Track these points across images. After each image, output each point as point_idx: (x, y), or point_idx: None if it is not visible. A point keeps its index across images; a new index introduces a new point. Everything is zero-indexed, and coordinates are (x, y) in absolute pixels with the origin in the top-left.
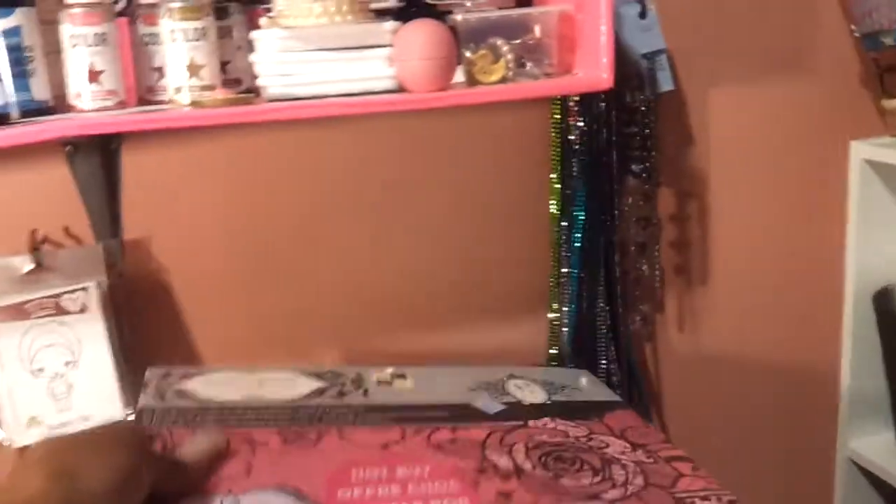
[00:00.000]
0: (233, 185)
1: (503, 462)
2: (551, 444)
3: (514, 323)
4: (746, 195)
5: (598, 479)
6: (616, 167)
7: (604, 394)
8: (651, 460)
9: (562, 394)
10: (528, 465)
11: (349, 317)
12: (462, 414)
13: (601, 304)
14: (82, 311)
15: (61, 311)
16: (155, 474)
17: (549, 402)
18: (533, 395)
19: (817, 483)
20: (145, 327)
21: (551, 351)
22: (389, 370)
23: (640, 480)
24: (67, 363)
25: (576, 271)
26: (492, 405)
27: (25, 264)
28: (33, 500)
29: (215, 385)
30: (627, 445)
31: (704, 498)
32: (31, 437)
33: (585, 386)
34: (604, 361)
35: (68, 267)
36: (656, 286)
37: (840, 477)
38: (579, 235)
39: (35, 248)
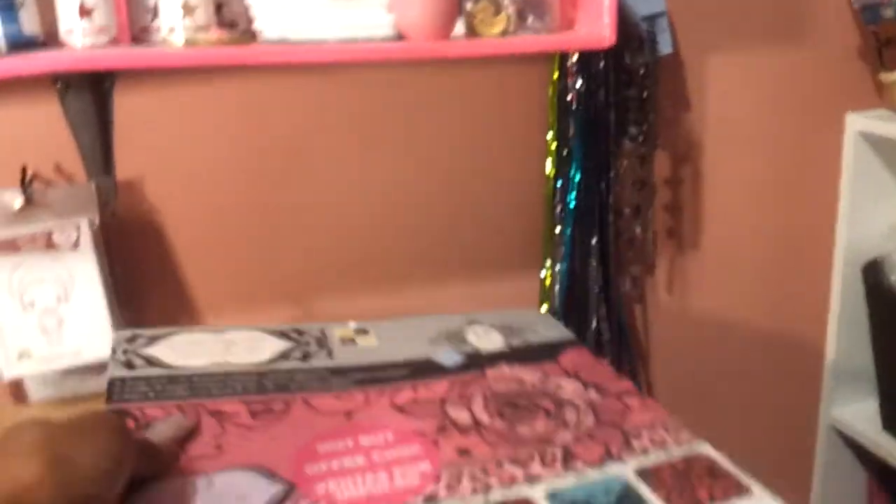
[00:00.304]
0: (226, 129)
1: (462, 417)
2: (508, 394)
3: (506, 280)
4: (741, 162)
5: (551, 422)
6: (613, 129)
7: (558, 332)
8: (602, 398)
9: (518, 337)
10: (485, 418)
11: (336, 261)
12: (423, 369)
13: (593, 264)
14: (74, 247)
15: (53, 246)
16: (136, 459)
17: (506, 350)
18: (491, 342)
19: (799, 448)
20: (136, 266)
21: (542, 309)
22: (352, 326)
23: (590, 419)
24: (59, 298)
25: (569, 231)
26: (451, 357)
27: (16, 200)
28: (30, 488)
29: (182, 349)
30: (580, 385)
31: (651, 429)
32: (22, 369)
33: (540, 326)
34: (594, 321)
35: (60, 204)
36: (649, 248)
37: (821, 443)
38: (574, 195)
39: (26, 185)
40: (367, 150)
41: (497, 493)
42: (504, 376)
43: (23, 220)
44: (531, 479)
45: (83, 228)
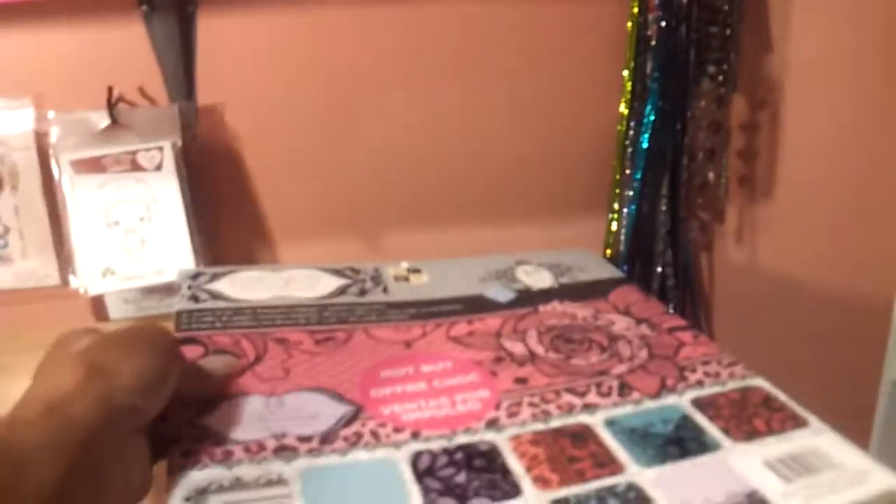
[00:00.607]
0: (309, 59)
1: (518, 349)
2: (561, 328)
3: (571, 222)
4: (823, 111)
5: (605, 356)
6: (693, 68)
7: (607, 271)
8: (654, 333)
9: (567, 276)
10: (540, 350)
11: (402, 196)
12: (476, 305)
13: (662, 208)
14: (157, 168)
15: (137, 167)
16: (181, 378)
17: (556, 287)
18: (541, 280)
19: (860, 402)
20: (215, 190)
21: (607, 252)
22: (405, 265)
23: (644, 354)
24: (142, 218)
25: (639, 173)
26: (503, 293)
27: (102, 120)
28: (70, 395)
29: (244, 285)
30: (632, 321)
31: (705, 363)
32: (106, 286)
33: (589, 265)
34: (659, 266)
35: (144, 126)
36: (721, 195)
37: (883, 398)
38: (647, 136)
39: (111, 105)
40: (436, 84)
41: (556, 420)
42: (556, 312)
43: (108, 141)
44: (589, 408)
45: (166, 151)
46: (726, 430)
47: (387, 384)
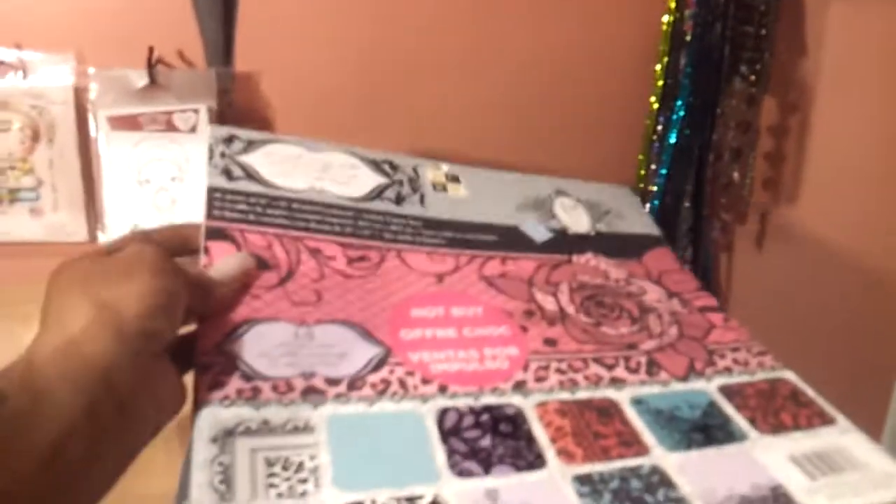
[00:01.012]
0: (347, 30)
1: (549, 304)
2: (593, 287)
3: None
4: (853, 118)
5: (635, 328)
6: (726, 66)
7: (643, 222)
8: (685, 310)
9: (605, 221)
10: (571, 309)
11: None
12: (511, 240)
13: (686, 205)
14: (192, 131)
15: (172, 128)
16: (189, 292)
17: (592, 234)
18: (578, 221)
19: (871, 409)
20: None
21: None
22: (444, 169)
23: (674, 331)
24: (173, 178)
25: (665, 169)
26: (538, 232)
27: (141, 79)
28: (82, 336)
29: (279, 164)
30: (663, 293)
31: (735, 350)
32: None
33: (627, 209)
34: None
35: (181, 88)
36: (745, 196)
37: (894, 408)
38: (675, 132)
39: (151, 66)
40: (470, 59)
41: (583, 392)
42: (589, 267)
43: (145, 100)
44: (616, 383)
45: (202, 113)
46: (753, 421)
47: (417, 325)
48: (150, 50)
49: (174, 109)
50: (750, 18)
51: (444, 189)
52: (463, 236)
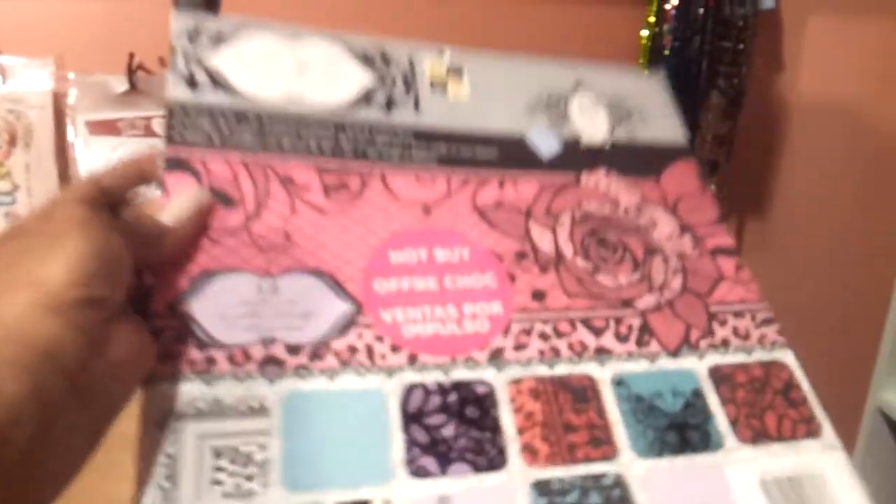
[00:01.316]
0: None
1: (545, 244)
2: (599, 220)
3: None
4: (829, 132)
5: (636, 276)
6: (703, 80)
7: (669, 127)
8: (696, 251)
9: (625, 126)
10: (569, 250)
11: None
12: (513, 155)
13: None
14: None
15: (151, 133)
16: (130, 245)
17: (607, 148)
18: (595, 125)
19: (842, 428)
20: None
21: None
22: (447, 56)
23: (677, 283)
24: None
25: None
26: (547, 141)
27: (121, 85)
28: (20, 314)
29: (252, 65)
30: (676, 225)
31: (738, 315)
32: None
33: (652, 108)
34: None
35: (161, 94)
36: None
37: (865, 425)
38: None
39: (132, 72)
40: None
41: (563, 366)
42: (598, 191)
43: (125, 106)
44: (601, 354)
45: None
46: (734, 424)
47: (393, 274)
48: (131, 56)
49: (153, 115)
50: (728, 34)
51: (444, 88)
52: (458, 153)
